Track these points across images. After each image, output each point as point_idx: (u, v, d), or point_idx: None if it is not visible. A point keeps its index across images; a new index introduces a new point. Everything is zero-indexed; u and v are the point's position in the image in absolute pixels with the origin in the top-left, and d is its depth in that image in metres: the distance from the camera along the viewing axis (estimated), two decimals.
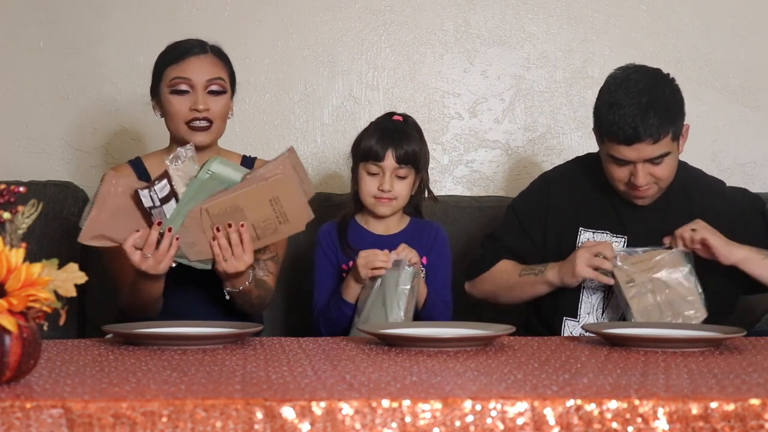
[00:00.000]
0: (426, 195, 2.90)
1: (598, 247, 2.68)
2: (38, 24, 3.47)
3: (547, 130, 3.57)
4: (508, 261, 2.87)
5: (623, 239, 2.78)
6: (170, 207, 2.44)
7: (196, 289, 2.68)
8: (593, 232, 2.81)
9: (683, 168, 2.85)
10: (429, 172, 2.92)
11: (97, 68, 3.48)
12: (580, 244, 2.80)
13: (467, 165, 3.56)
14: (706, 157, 3.54)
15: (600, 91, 2.73)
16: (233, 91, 2.80)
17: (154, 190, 2.43)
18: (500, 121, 3.57)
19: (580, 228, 2.82)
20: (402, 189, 2.80)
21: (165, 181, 2.43)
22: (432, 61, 3.56)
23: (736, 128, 3.61)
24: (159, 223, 2.42)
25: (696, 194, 2.83)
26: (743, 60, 3.60)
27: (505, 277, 2.85)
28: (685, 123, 2.72)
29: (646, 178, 2.68)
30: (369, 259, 2.64)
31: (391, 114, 2.89)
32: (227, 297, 2.60)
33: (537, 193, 2.91)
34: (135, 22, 3.48)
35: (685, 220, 2.74)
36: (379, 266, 2.62)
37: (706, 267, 2.70)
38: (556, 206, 2.86)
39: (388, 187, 2.78)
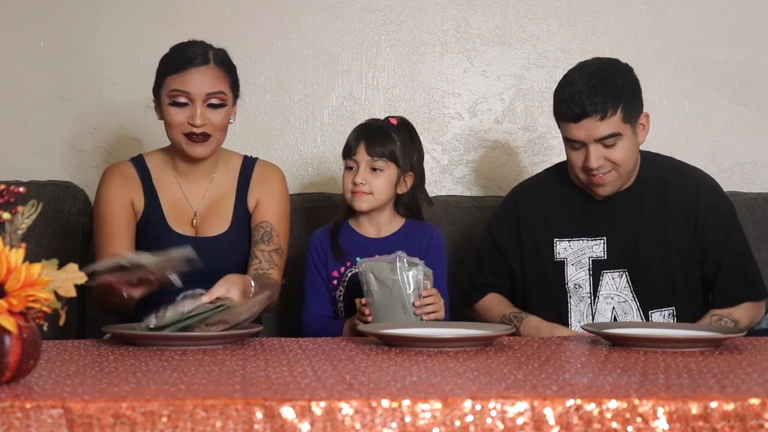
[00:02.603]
0: (421, 197, 2.89)
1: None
2: (38, 24, 3.47)
3: (547, 130, 3.57)
4: (493, 296, 2.89)
5: (602, 240, 2.78)
6: None
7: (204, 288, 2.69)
8: (569, 241, 2.80)
9: (654, 159, 2.86)
10: (429, 172, 2.91)
11: (97, 68, 3.48)
12: (558, 254, 2.80)
13: (467, 165, 3.56)
14: (706, 157, 3.54)
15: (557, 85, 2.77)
16: (237, 96, 2.79)
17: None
18: (500, 121, 3.57)
19: (555, 239, 2.82)
20: (379, 184, 2.79)
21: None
22: (432, 61, 3.56)
23: (736, 128, 3.61)
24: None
25: (671, 186, 2.82)
26: (743, 60, 3.60)
27: (490, 315, 2.85)
28: (644, 112, 2.74)
29: (599, 160, 2.68)
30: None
31: (387, 117, 2.90)
32: None
33: (506, 210, 2.93)
34: (135, 23, 3.48)
35: (661, 215, 2.76)
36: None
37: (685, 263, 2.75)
38: (526, 219, 2.86)
39: (359, 179, 2.78)
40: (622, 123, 2.67)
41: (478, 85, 3.57)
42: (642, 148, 2.80)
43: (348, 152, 2.81)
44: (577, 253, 2.79)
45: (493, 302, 2.87)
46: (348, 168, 2.81)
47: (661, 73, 3.56)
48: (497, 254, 2.89)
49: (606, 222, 2.79)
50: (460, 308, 2.92)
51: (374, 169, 2.79)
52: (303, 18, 3.53)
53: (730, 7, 3.60)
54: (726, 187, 3.00)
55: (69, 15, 3.48)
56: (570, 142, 2.71)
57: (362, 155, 2.79)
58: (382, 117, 2.95)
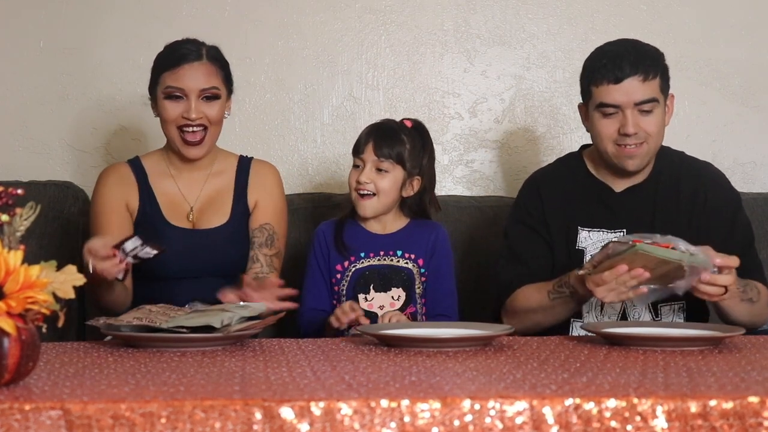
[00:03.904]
0: (428, 201, 2.88)
1: (621, 275, 2.46)
2: (38, 24, 3.47)
3: (547, 130, 3.57)
4: (525, 286, 2.76)
5: (622, 233, 2.77)
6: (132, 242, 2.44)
7: (199, 280, 2.71)
8: (589, 231, 2.79)
9: (667, 153, 2.85)
10: None
11: (97, 68, 3.48)
12: (579, 243, 2.79)
13: (467, 165, 3.56)
14: (706, 157, 3.49)
15: (586, 58, 2.79)
16: (231, 91, 2.84)
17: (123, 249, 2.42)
18: (500, 121, 3.57)
19: (579, 227, 2.81)
20: (383, 184, 2.77)
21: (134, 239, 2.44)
22: (432, 61, 3.56)
23: (736, 128, 3.61)
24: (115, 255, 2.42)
25: (683, 181, 2.82)
26: (743, 60, 3.60)
27: (534, 300, 2.73)
28: (670, 93, 2.76)
29: (635, 126, 2.67)
30: (340, 318, 2.58)
31: (403, 119, 2.89)
32: None
33: (529, 196, 2.87)
34: (135, 22, 3.48)
35: (675, 207, 2.76)
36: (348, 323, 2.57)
37: None
38: (550, 206, 2.83)
39: (364, 178, 2.76)
40: (659, 91, 2.70)
41: (478, 85, 3.57)
42: None
43: (357, 150, 2.80)
44: (596, 244, 2.77)
45: (530, 289, 2.75)
46: (355, 166, 2.81)
47: None
48: (536, 238, 2.81)
49: (625, 214, 2.78)
50: (462, 309, 2.88)
51: (380, 170, 2.78)
52: (303, 18, 3.53)
53: (730, 7, 3.60)
54: None
55: (69, 15, 3.48)
56: (604, 108, 2.69)
57: (369, 155, 2.78)
58: (382, 117, 2.95)
